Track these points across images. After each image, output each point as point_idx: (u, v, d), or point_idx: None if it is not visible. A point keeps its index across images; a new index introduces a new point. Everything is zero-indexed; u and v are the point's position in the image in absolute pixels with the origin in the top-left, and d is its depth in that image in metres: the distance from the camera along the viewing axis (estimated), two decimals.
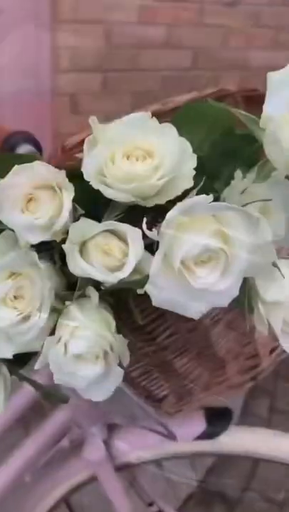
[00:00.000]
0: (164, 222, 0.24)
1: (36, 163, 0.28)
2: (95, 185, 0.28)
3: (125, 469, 0.80)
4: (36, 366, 0.29)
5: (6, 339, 0.27)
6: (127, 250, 0.27)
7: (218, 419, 0.73)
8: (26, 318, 0.27)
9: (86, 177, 0.28)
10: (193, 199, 0.25)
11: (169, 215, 0.24)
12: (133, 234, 0.27)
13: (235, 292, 0.25)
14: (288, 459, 0.72)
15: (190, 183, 0.28)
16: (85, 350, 0.27)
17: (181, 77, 1.92)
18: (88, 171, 0.28)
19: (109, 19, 1.70)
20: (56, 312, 0.28)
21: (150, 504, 0.92)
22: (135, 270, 0.26)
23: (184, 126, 0.33)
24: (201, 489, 1.34)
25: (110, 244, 0.27)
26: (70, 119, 1.71)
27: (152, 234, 0.25)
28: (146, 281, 0.26)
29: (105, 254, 0.26)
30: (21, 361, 0.30)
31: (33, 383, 0.36)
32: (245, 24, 1.90)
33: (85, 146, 0.30)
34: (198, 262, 0.24)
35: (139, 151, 0.28)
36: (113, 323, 0.29)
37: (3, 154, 0.52)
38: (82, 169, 0.29)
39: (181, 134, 0.31)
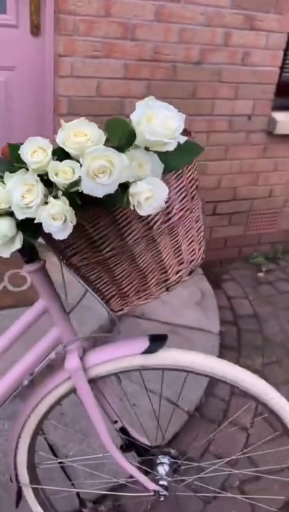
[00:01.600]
0: (85, 155, 0.61)
1: None
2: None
3: (94, 382, 1.13)
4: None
5: (21, 213, 0.63)
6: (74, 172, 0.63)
7: (157, 341, 1.07)
8: (32, 201, 0.63)
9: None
10: (97, 147, 0.62)
11: (87, 152, 0.61)
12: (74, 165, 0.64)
13: (114, 187, 0.61)
14: (202, 370, 1.06)
15: None
16: (56, 213, 0.63)
17: None
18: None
19: (99, 75, 2.14)
20: (45, 201, 0.64)
21: (115, 422, 1.24)
22: (75, 181, 0.62)
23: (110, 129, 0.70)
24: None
25: (66, 170, 0.63)
26: None
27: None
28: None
29: (64, 174, 0.63)
30: (30, 229, 0.66)
31: (28, 238, 0.71)
32: (210, 79, 2.35)
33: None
34: (99, 172, 0.60)
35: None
36: (71, 211, 0.65)
37: None
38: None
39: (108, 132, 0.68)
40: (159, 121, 0.62)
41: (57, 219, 0.63)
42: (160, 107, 0.64)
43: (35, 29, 2.06)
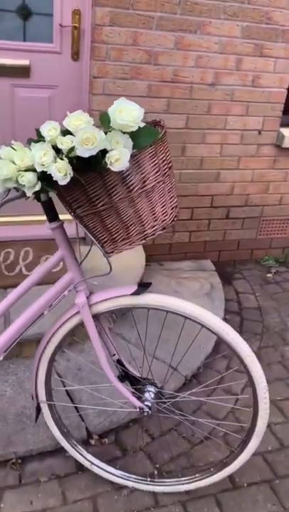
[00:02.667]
0: (78, 131, 0.99)
1: None
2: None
3: (97, 318, 1.49)
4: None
5: (39, 168, 1.01)
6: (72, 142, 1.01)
7: (143, 286, 1.42)
8: (46, 160, 1.01)
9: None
10: (85, 126, 1.00)
11: (79, 129, 1.00)
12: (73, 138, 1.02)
13: (95, 151, 0.99)
14: (175, 309, 1.40)
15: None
16: (60, 167, 1.00)
17: (178, 133, 2.73)
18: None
19: (127, 94, 2.55)
20: (54, 160, 1.02)
21: (113, 355, 1.59)
22: (72, 148, 1.00)
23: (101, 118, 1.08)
24: None
25: (67, 141, 1.00)
26: None
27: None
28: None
29: (66, 144, 1.00)
30: (46, 181, 1.04)
31: (45, 186, 1.09)
32: (223, 98, 2.72)
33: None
34: (86, 142, 0.98)
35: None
36: (69, 167, 1.03)
37: None
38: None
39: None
40: (126, 112, 0.99)
41: (61, 172, 1.01)
42: (127, 103, 1.01)
43: (75, 55, 2.50)
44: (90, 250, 1.38)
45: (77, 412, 1.95)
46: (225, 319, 2.69)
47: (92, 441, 1.89)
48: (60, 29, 2.44)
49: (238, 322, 2.75)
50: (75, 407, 1.96)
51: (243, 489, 1.75)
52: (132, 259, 2.73)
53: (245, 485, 1.77)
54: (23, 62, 2.47)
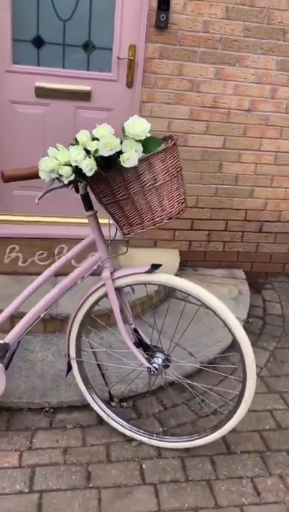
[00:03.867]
0: (101, 138, 1.37)
1: None
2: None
3: (119, 292, 1.85)
4: (88, 174, 1.43)
5: (74, 163, 1.41)
6: (98, 146, 1.40)
7: (155, 266, 1.78)
8: (79, 158, 1.40)
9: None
10: (106, 134, 1.39)
11: (102, 137, 1.38)
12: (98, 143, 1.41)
13: (112, 152, 1.37)
14: (180, 287, 1.74)
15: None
16: (88, 163, 1.39)
17: (215, 152, 3.08)
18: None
19: (171, 117, 2.94)
20: (84, 159, 1.41)
21: (131, 324, 1.94)
22: (97, 149, 1.39)
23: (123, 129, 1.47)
24: None
25: (94, 144, 1.39)
26: None
27: None
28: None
29: (93, 146, 1.39)
30: (79, 174, 1.43)
31: (78, 178, 1.48)
32: (258, 123, 3.04)
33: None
34: (106, 146, 1.36)
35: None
36: (95, 164, 1.41)
37: None
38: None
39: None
40: (137, 125, 1.37)
41: (88, 166, 1.39)
42: (139, 119, 1.39)
43: (129, 83, 2.94)
44: (116, 234, 1.76)
45: (104, 378, 2.31)
46: (247, 321, 2.96)
47: (113, 404, 2.23)
48: (118, 61, 2.90)
49: (260, 325, 3.00)
50: (102, 375, 2.32)
51: (236, 455, 2.02)
52: (166, 262, 3.08)
53: (239, 452, 2.03)
54: (86, 88, 2.94)
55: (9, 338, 1.84)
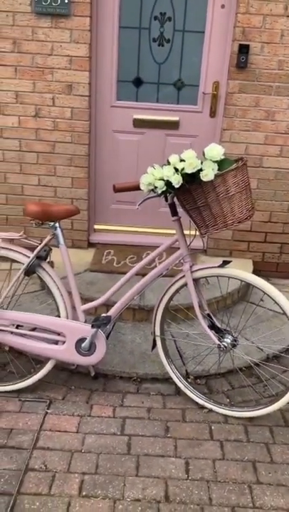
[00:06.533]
0: (186, 159, 1.86)
1: None
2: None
3: (196, 282, 2.31)
4: (176, 186, 1.94)
5: (166, 177, 1.91)
6: (184, 166, 1.89)
7: (226, 262, 2.22)
8: (170, 174, 1.90)
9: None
10: (190, 156, 1.88)
11: (187, 158, 1.86)
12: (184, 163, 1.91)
13: (194, 170, 1.85)
14: (248, 280, 2.16)
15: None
16: (176, 178, 1.88)
17: (288, 172, 3.46)
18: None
19: (247, 142, 3.38)
20: (173, 174, 1.92)
21: (205, 310, 2.38)
22: (183, 167, 1.88)
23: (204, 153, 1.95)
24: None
25: (181, 165, 1.88)
26: None
27: None
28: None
29: (180, 165, 1.88)
30: (170, 187, 1.93)
31: (169, 189, 1.98)
32: None
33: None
34: (191, 165, 1.85)
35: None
36: (181, 179, 1.90)
37: None
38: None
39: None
40: (214, 150, 1.85)
41: (176, 180, 1.89)
42: (215, 145, 1.87)
43: (212, 114, 3.44)
44: (195, 235, 2.23)
45: (182, 359, 2.75)
46: None
47: (189, 380, 2.67)
48: (203, 95, 3.41)
49: None
50: (180, 356, 2.77)
51: None
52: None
53: None
54: (175, 118, 3.48)
55: (111, 312, 2.37)
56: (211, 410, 2.45)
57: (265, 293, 2.16)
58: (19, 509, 1.86)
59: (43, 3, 3.05)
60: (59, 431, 2.27)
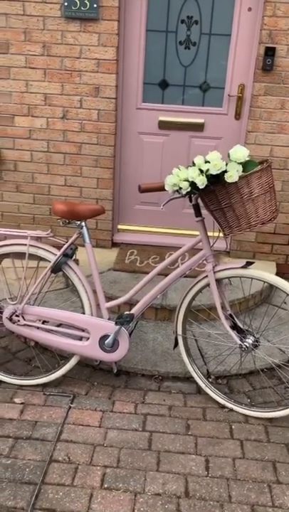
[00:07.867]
0: (211, 161, 1.90)
1: None
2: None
3: (218, 282, 2.34)
4: (200, 187, 1.98)
5: (190, 179, 1.95)
6: (209, 167, 1.92)
7: (249, 263, 2.24)
8: (194, 175, 1.93)
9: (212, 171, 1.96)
10: (215, 158, 1.91)
11: (211, 160, 1.90)
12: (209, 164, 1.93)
13: (219, 171, 1.88)
14: (268, 280, 2.18)
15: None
16: (200, 179, 1.91)
17: None
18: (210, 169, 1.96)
19: (272, 144, 3.39)
20: (198, 175, 1.96)
21: (227, 310, 2.41)
22: (208, 169, 1.91)
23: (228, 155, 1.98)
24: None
25: (206, 165, 1.91)
26: None
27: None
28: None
29: (205, 167, 1.91)
30: (194, 187, 1.97)
31: (193, 189, 2.01)
32: None
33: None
34: (216, 167, 1.87)
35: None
36: (205, 180, 1.94)
37: None
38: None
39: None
40: (239, 152, 1.87)
41: (201, 181, 1.92)
42: (240, 147, 1.89)
43: (237, 116, 3.46)
44: (218, 236, 2.26)
45: (203, 359, 2.78)
46: None
47: (210, 379, 2.69)
48: (228, 98, 3.43)
49: None
50: (202, 356, 2.80)
51: None
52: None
53: None
54: (200, 120, 3.51)
55: (134, 310, 2.41)
56: (231, 410, 2.47)
57: (288, 295, 2.17)
58: (44, 497, 1.92)
59: (73, 8, 3.12)
60: (82, 425, 2.32)
